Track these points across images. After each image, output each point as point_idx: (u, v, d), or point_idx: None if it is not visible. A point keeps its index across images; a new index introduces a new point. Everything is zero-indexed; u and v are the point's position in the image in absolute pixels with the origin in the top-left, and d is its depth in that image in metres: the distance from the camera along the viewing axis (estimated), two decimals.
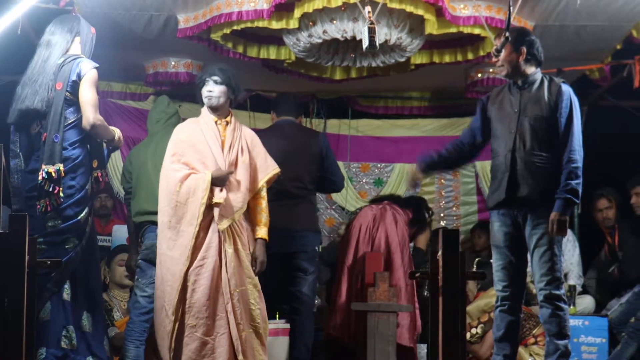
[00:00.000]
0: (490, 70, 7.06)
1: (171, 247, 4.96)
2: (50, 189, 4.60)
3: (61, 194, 4.61)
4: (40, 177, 4.60)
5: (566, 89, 4.83)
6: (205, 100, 5.17)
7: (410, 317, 6.15)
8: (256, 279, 5.09)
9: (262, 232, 5.18)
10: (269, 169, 5.27)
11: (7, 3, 5.21)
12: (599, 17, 6.07)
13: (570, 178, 4.69)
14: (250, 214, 5.20)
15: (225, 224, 4.98)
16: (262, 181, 5.23)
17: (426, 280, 3.89)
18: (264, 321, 5.08)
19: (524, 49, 4.85)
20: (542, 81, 4.87)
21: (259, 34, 6.49)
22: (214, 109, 5.18)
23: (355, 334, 6.15)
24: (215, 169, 5.02)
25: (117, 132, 5.01)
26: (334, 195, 8.22)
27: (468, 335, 6.01)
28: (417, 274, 3.98)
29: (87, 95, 4.71)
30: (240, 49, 6.52)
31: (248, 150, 5.21)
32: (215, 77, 5.15)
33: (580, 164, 4.73)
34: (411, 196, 7.16)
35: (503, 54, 4.87)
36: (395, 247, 6.26)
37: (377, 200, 6.82)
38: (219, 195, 4.98)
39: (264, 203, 5.23)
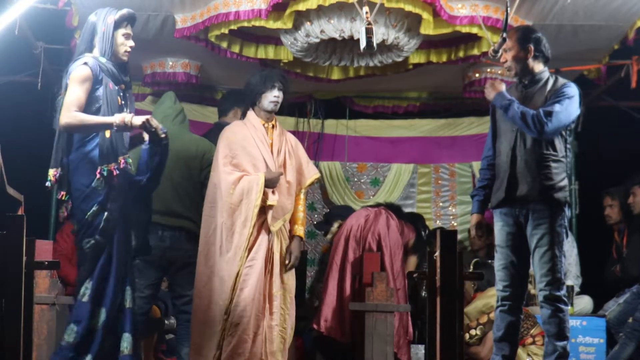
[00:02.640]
0: (488, 70, 7.06)
1: (227, 248, 5.05)
2: (57, 195, 4.59)
3: (64, 198, 4.57)
4: (48, 186, 4.58)
5: (569, 84, 4.82)
6: (270, 105, 5.29)
7: (400, 321, 6.16)
8: (291, 285, 5.21)
9: (300, 230, 5.34)
10: (311, 172, 5.44)
11: (5, 3, 5.20)
12: (597, 16, 6.08)
13: (528, 115, 4.66)
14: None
15: (278, 225, 5.13)
16: (304, 185, 5.40)
17: (424, 280, 3.89)
18: (291, 328, 5.19)
19: (531, 47, 4.84)
20: (547, 80, 4.87)
21: (256, 34, 6.49)
22: (270, 113, 5.31)
23: (351, 333, 6.16)
24: (267, 171, 5.12)
25: (118, 118, 4.44)
26: (331, 195, 8.22)
27: (467, 336, 6.01)
28: (415, 274, 3.99)
29: (66, 96, 4.48)
30: (237, 49, 6.52)
31: (292, 153, 5.36)
32: (280, 84, 5.30)
33: (548, 128, 4.65)
34: (411, 213, 7.17)
35: (511, 53, 4.86)
36: (386, 250, 6.27)
37: (374, 206, 6.84)
38: (272, 198, 5.11)
39: (303, 204, 5.40)
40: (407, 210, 7.62)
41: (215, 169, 5.20)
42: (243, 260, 4.99)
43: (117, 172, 4.49)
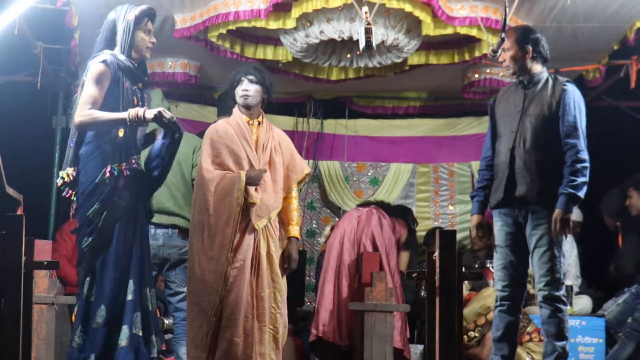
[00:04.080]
0: (487, 71, 7.07)
1: (210, 248, 4.97)
2: (65, 194, 4.56)
3: (73, 197, 4.55)
4: (59, 183, 4.56)
5: (571, 88, 4.82)
6: (240, 100, 5.13)
7: (402, 320, 6.16)
8: (282, 283, 5.10)
9: (295, 231, 5.19)
10: (301, 169, 5.28)
11: (5, 3, 5.21)
12: (596, 18, 6.08)
13: (576, 175, 4.69)
14: (281, 214, 5.20)
15: (262, 223, 4.99)
16: (294, 181, 5.24)
17: (423, 280, 3.89)
18: (283, 326, 5.08)
19: (530, 47, 4.84)
20: (546, 80, 4.87)
21: (256, 34, 6.50)
22: (247, 108, 5.15)
23: (348, 335, 6.16)
24: (249, 169, 5.02)
25: (131, 112, 4.35)
26: (330, 194, 8.23)
27: (465, 338, 5.99)
28: (414, 274, 3.98)
29: (82, 94, 4.44)
30: (237, 49, 6.52)
31: (280, 150, 5.21)
32: (251, 76, 5.11)
33: (588, 164, 4.74)
34: (399, 206, 7.15)
35: (509, 53, 4.86)
36: (381, 250, 6.27)
37: (364, 205, 6.83)
38: (255, 196, 4.99)
39: (295, 203, 5.25)
40: None
41: (199, 168, 5.13)
42: (229, 261, 4.89)
43: (128, 172, 4.43)
